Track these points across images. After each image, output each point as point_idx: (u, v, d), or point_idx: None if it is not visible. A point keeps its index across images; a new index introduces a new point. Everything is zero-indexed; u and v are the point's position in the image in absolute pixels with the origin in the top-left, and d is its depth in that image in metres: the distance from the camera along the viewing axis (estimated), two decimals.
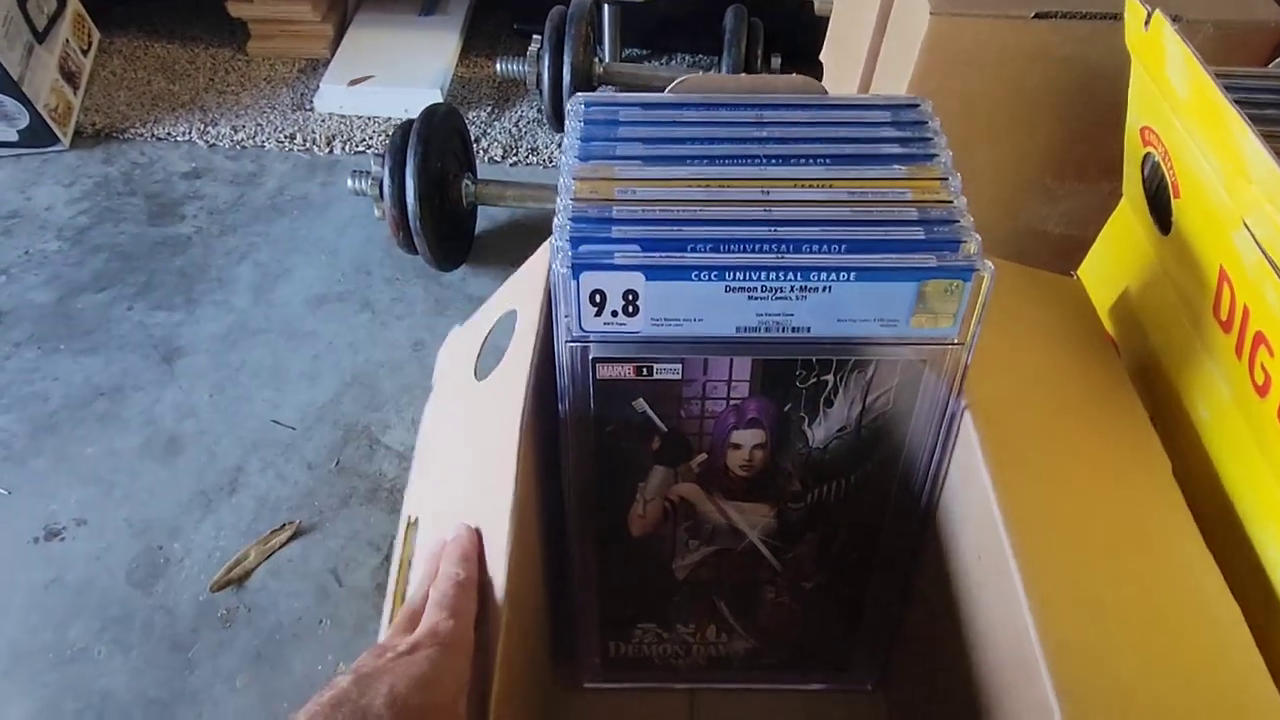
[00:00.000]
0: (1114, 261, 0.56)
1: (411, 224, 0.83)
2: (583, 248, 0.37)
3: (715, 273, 0.36)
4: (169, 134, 1.09)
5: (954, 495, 0.44)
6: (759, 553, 0.49)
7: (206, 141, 1.09)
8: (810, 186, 0.40)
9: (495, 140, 1.10)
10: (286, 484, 0.73)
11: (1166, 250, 0.49)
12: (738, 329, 0.38)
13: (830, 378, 0.40)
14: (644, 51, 1.28)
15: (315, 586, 0.67)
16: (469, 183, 0.91)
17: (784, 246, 0.37)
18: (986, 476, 0.39)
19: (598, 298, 0.37)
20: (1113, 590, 0.37)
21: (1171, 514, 0.40)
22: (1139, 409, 0.45)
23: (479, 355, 0.50)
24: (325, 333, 0.87)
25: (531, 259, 0.49)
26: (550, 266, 0.37)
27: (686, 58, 1.27)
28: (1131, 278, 0.53)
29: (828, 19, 0.88)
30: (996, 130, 0.66)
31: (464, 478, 0.46)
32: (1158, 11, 0.45)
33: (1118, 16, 0.50)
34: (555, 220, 0.38)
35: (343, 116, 1.13)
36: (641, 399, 0.41)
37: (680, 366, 0.40)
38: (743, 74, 1.06)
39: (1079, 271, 0.60)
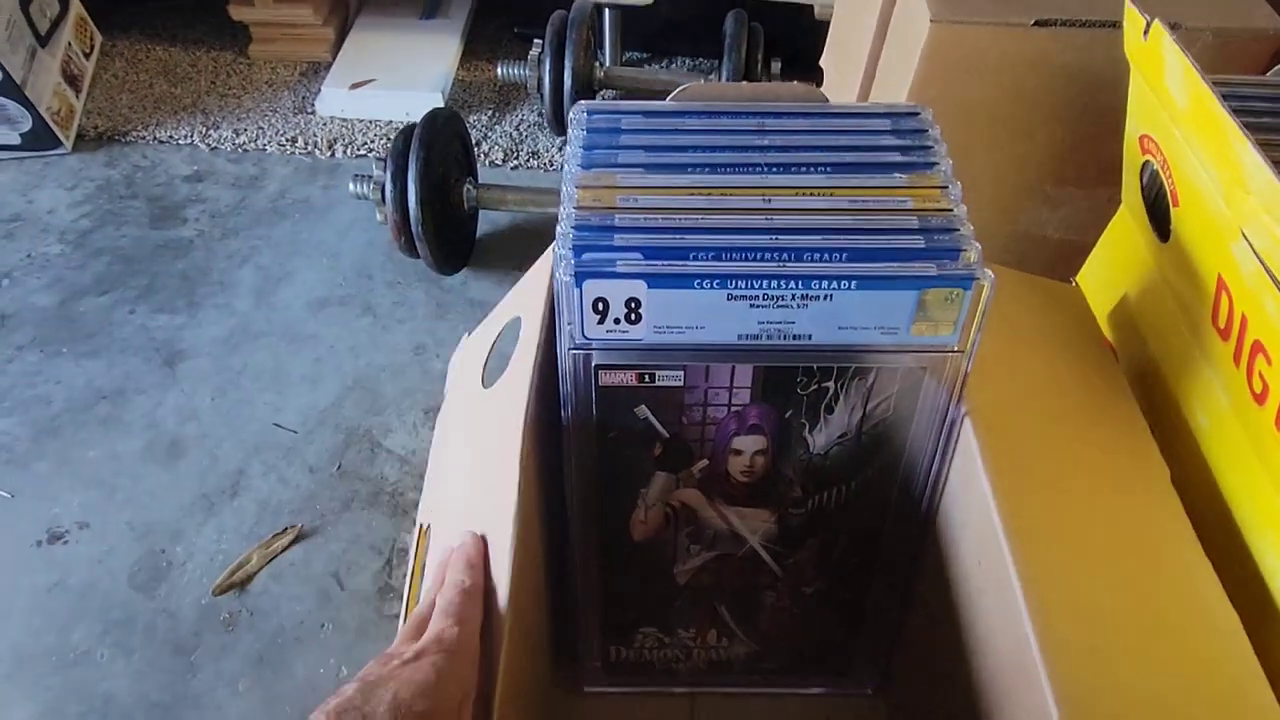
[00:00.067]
0: (1113, 268, 0.56)
1: (413, 228, 0.83)
2: (585, 256, 0.37)
3: (717, 281, 0.36)
4: (171, 137, 1.09)
5: (954, 501, 0.44)
6: (760, 558, 0.49)
7: (208, 145, 1.09)
8: (811, 195, 0.40)
9: (496, 144, 1.10)
10: (288, 487, 0.74)
11: (1165, 258, 0.49)
12: (739, 336, 0.38)
13: (831, 385, 0.40)
14: (645, 55, 1.29)
15: (317, 590, 0.67)
16: (470, 187, 0.91)
17: (785, 255, 0.37)
18: (986, 483, 0.40)
19: (600, 305, 0.37)
20: (1112, 596, 0.37)
21: (1170, 521, 0.41)
22: (1138, 416, 0.45)
23: (486, 362, 0.51)
24: (327, 336, 0.87)
25: (535, 266, 0.50)
26: (553, 274, 0.37)
27: (687, 62, 1.27)
28: (1130, 285, 0.54)
29: (828, 24, 0.88)
30: (997, 136, 0.67)
31: (469, 484, 0.47)
32: (1157, 21, 0.45)
33: (1117, 24, 0.50)
34: (558, 228, 0.38)
35: (344, 120, 1.13)
36: (643, 405, 0.41)
37: (682, 373, 0.40)
38: (744, 82, 1.06)
39: (1078, 278, 0.60)
